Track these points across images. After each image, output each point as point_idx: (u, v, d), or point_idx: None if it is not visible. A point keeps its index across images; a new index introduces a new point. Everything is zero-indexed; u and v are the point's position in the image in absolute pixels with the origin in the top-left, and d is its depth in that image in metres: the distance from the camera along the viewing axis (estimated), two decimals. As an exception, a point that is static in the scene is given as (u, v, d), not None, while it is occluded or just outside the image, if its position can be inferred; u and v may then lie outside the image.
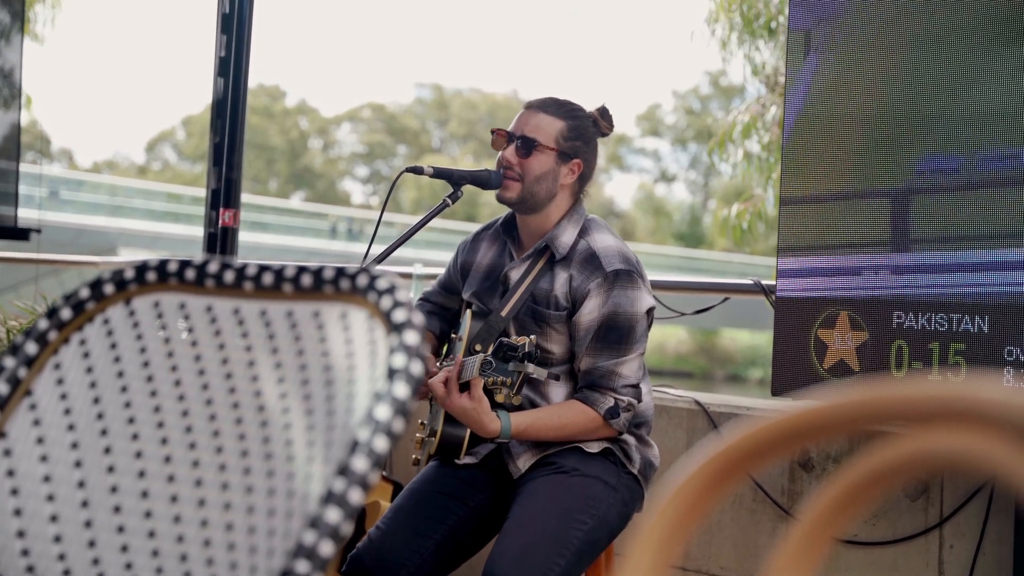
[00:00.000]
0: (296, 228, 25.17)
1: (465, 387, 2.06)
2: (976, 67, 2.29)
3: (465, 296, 2.39)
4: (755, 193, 8.57)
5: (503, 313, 2.25)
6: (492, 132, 2.32)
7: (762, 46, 8.39)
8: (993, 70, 2.27)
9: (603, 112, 2.32)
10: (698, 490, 0.64)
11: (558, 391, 2.22)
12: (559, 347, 2.22)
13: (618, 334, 2.17)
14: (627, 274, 2.18)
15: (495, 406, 2.09)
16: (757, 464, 0.63)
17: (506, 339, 2.01)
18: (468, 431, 2.17)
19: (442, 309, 2.51)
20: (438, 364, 2.34)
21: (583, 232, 2.25)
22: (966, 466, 0.56)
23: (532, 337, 2.00)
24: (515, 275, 2.28)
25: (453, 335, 2.33)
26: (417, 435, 2.34)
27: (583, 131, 2.27)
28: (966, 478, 2.44)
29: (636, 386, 2.19)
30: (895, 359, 2.41)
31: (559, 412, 2.17)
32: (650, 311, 2.23)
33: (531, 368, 1.98)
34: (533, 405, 2.23)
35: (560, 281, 2.22)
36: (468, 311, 2.34)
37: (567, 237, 2.25)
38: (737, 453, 0.63)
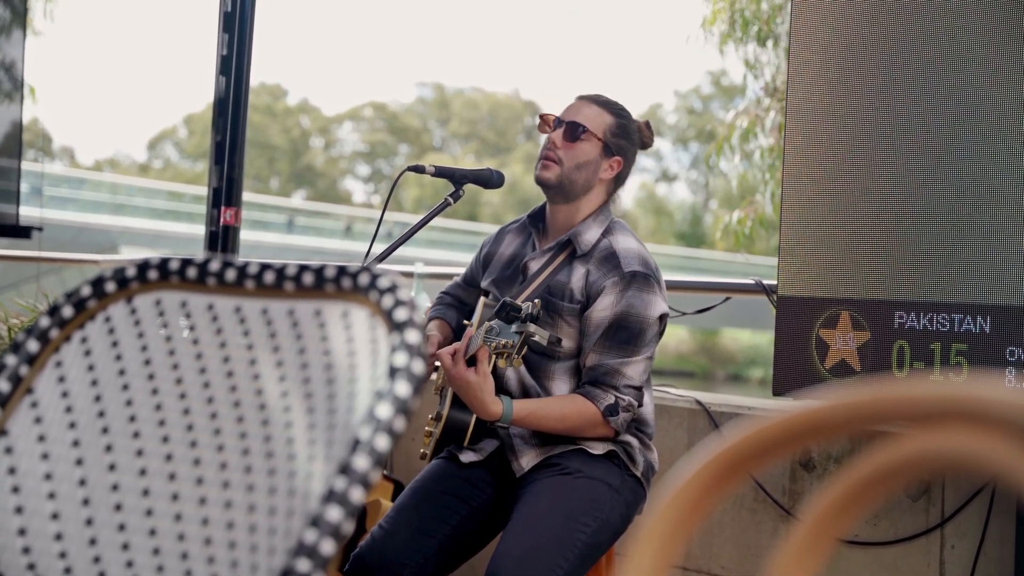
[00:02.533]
0: (300, 227, 25.17)
1: (472, 363, 2.07)
2: (979, 68, 2.29)
3: (484, 284, 2.40)
4: (755, 199, 8.57)
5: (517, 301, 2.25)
6: (539, 117, 2.35)
7: (758, 51, 8.38)
8: (996, 71, 2.26)
9: (648, 124, 2.37)
10: (699, 490, 0.64)
11: (561, 387, 2.23)
12: (569, 341, 2.22)
13: (627, 334, 2.17)
14: (644, 277, 2.19)
15: (500, 388, 2.10)
16: (758, 464, 0.63)
17: (509, 300, 2.00)
18: (474, 417, 2.18)
19: (461, 303, 2.53)
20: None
21: (607, 232, 2.27)
22: (968, 466, 0.56)
23: (536, 300, 2.00)
24: (534, 265, 2.30)
25: (466, 322, 2.33)
26: (426, 428, 2.35)
27: (629, 133, 2.31)
28: (968, 478, 2.44)
29: (639, 388, 2.19)
30: (896, 359, 2.41)
31: (560, 403, 2.18)
32: (663, 318, 2.23)
33: (533, 328, 1.97)
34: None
35: (577, 275, 2.23)
36: (482, 299, 2.35)
37: (591, 235, 2.26)
38: (738, 453, 0.63)
